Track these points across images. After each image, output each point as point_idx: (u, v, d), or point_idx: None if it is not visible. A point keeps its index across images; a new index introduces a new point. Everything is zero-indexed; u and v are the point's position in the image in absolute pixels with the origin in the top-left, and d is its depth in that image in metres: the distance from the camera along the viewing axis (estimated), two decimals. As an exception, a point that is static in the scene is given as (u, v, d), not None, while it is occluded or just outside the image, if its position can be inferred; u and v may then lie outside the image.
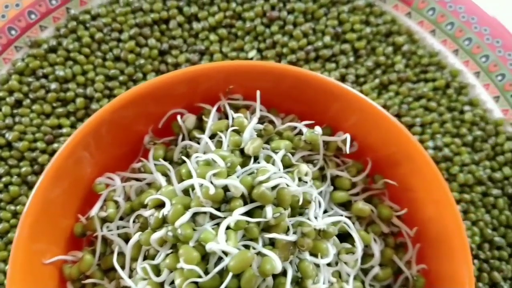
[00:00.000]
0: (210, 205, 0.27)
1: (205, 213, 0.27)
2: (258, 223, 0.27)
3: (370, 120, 0.33)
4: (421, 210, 0.33)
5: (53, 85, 0.41)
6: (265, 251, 0.26)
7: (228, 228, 0.26)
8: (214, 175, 0.27)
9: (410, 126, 0.42)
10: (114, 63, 0.42)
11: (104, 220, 0.31)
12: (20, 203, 0.38)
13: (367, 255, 0.32)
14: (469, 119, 0.43)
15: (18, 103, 0.41)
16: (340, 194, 0.32)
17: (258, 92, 0.31)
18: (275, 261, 0.25)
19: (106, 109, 0.31)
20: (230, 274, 0.25)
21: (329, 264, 0.29)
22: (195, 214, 0.27)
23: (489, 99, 0.44)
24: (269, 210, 0.27)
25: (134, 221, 0.30)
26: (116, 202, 0.31)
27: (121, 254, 0.30)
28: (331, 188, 0.32)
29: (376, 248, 0.31)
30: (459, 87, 0.44)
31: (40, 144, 0.40)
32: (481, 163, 0.42)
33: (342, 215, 0.31)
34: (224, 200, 0.28)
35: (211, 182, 0.27)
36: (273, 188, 0.28)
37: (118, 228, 0.31)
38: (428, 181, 0.32)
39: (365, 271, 0.32)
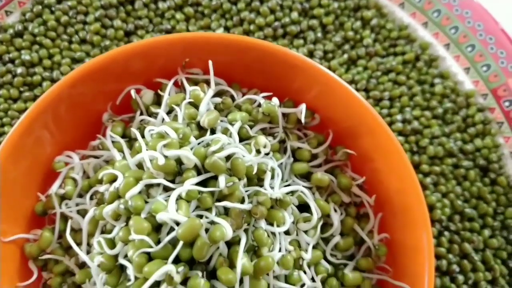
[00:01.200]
0: (162, 177, 0.27)
1: (158, 186, 0.27)
2: (212, 194, 0.27)
3: (332, 93, 0.33)
4: (384, 182, 0.33)
5: (20, 70, 0.41)
6: (216, 219, 0.26)
7: (181, 199, 0.26)
8: (165, 146, 0.27)
9: (378, 100, 0.42)
10: (80, 45, 0.42)
11: (63, 198, 0.31)
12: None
13: (328, 225, 0.32)
14: (439, 91, 0.42)
15: (-15, 89, 0.41)
16: (300, 165, 0.32)
17: (210, 62, 0.31)
18: (226, 228, 0.25)
19: (62, 83, 0.31)
20: (181, 243, 0.25)
21: (287, 233, 0.29)
22: (148, 187, 0.27)
23: (460, 70, 0.43)
24: (221, 180, 0.27)
25: (91, 198, 0.30)
26: (74, 179, 0.31)
27: (80, 231, 0.30)
28: (291, 160, 0.32)
29: (336, 217, 0.31)
30: (429, 59, 0.44)
31: (7, 129, 0.40)
32: (452, 135, 0.42)
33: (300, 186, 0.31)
34: (178, 173, 0.28)
35: (163, 154, 0.27)
36: (228, 159, 0.28)
37: (76, 205, 0.31)
38: (389, 153, 0.31)
39: (327, 241, 0.32)
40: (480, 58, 0.43)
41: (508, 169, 0.41)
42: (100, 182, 0.30)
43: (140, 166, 0.29)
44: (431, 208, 0.39)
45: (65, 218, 0.31)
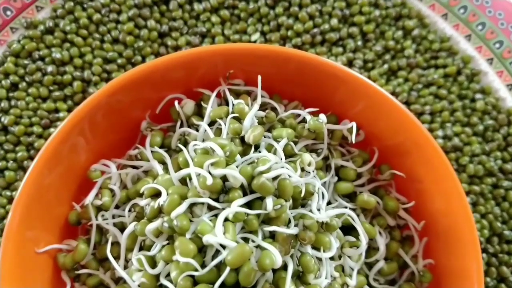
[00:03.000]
0: (207, 196, 0.26)
1: (202, 204, 0.26)
2: (257, 215, 0.26)
3: (378, 107, 0.32)
4: (429, 203, 0.31)
5: (50, 68, 0.40)
6: (265, 244, 0.25)
7: (226, 220, 0.25)
8: (212, 164, 0.26)
9: (419, 114, 0.41)
10: (112, 45, 0.41)
11: (99, 209, 0.30)
12: (16, 189, 0.38)
13: (371, 248, 0.31)
14: (480, 107, 0.41)
15: (14, 86, 0.40)
16: (344, 185, 0.31)
17: (259, 77, 0.30)
18: (275, 255, 0.24)
19: (102, 93, 0.30)
20: (228, 268, 0.24)
21: (332, 258, 0.28)
22: (192, 205, 0.26)
23: (502, 87, 0.42)
24: (269, 202, 0.25)
25: (130, 210, 0.29)
26: (111, 190, 0.30)
27: (116, 244, 0.29)
28: (335, 178, 0.31)
29: (382, 242, 0.30)
30: (471, 74, 0.42)
31: (36, 129, 0.39)
32: (492, 154, 0.40)
33: (346, 207, 0.30)
34: (222, 191, 0.27)
35: (209, 172, 0.26)
36: (274, 178, 0.26)
37: (113, 217, 0.30)
38: (437, 171, 0.30)
39: (369, 265, 0.31)
40: (525, 74, 0.42)
41: (549, 191, 0.40)
42: (139, 194, 0.29)
43: (182, 181, 0.28)
44: (470, 229, 0.38)
45: (100, 229, 0.30)
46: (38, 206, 0.29)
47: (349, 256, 0.29)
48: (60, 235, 0.31)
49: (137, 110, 0.32)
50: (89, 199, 0.30)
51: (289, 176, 0.27)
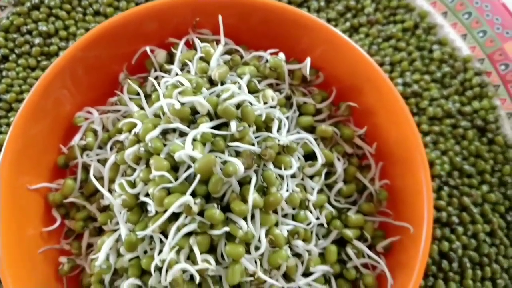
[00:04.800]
0: (178, 122, 0.29)
1: (174, 132, 0.29)
2: (224, 138, 0.29)
3: (337, 50, 0.35)
4: (384, 133, 0.34)
5: (37, 40, 0.43)
6: (229, 158, 0.28)
7: (196, 141, 0.28)
8: (180, 93, 0.29)
9: (380, 65, 0.44)
10: (94, 17, 0.44)
11: (84, 149, 0.33)
12: (10, 151, 0.40)
13: (332, 174, 0.34)
14: (437, 57, 0.44)
15: (5, 59, 0.43)
16: (305, 118, 0.34)
17: (220, 17, 0.33)
18: (238, 164, 0.27)
19: (75, 46, 0.33)
20: (198, 177, 0.27)
21: (294, 178, 0.31)
22: (165, 133, 0.29)
23: (457, 37, 0.45)
24: (233, 124, 0.29)
25: (111, 149, 0.32)
26: (94, 132, 0.33)
27: (101, 179, 0.32)
28: (297, 113, 0.34)
29: (339, 165, 0.33)
30: (428, 27, 0.45)
31: (26, 95, 0.42)
32: (450, 98, 0.43)
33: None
34: (192, 121, 0.30)
35: (178, 101, 0.29)
36: (238, 107, 0.30)
37: (97, 155, 0.33)
38: (390, 104, 0.33)
39: (331, 189, 0.33)
40: (477, 25, 0.45)
41: (505, 129, 0.43)
42: (120, 133, 0.32)
43: (157, 116, 0.31)
44: (431, 164, 0.41)
45: (86, 169, 0.33)
46: (27, 154, 0.32)
47: (310, 179, 0.32)
48: (51, 179, 0.34)
49: (115, 64, 0.36)
50: (75, 140, 0.33)
51: (251, 104, 0.30)
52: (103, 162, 0.33)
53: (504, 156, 0.42)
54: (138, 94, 0.34)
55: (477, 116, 0.43)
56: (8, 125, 0.41)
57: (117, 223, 0.30)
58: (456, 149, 0.42)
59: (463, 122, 0.43)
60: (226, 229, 0.27)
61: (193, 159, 0.27)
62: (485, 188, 0.41)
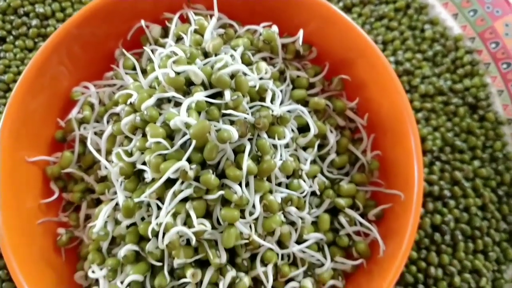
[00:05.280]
0: (173, 91, 0.29)
1: (169, 102, 0.30)
2: (218, 108, 0.30)
3: (330, 25, 0.35)
4: (376, 106, 0.35)
5: (34, 22, 0.44)
6: (224, 126, 0.28)
7: (191, 109, 0.29)
8: (175, 63, 0.29)
9: (372, 44, 0.44)
10: (90, -1, 0.45)
11: (81, 123, 0.34)
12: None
13: (325, 146, 0.34)
14: (429, 36, 0.45)
15: (2, 40, 0.44)
16: (299, 91, 0.34)
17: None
18: (231, 131, 0.28)
19: (71, 22, 0.33)
20: (193, 143, 0.27)
21: (287, 148, 0.32)
22: (160, 103, 0.30)
23: (448, 17, 0.46)
24: (227, 94, 0.29)
25: (108, 122, 0.33)
26: (91, 105, 0.34)
27: (98, 152, 0.33)
28: (291, 87, 0.35)
29: (332, 136, 0.34)
30: (419, 7, 0.46)
31: (24, 76, 0.42)
32: (442, 76, 0.44)
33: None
34: (187, 92, 0.30)
35: (173, 70, 0.29)
36: (232, 78, 0.30)
37: (94, 128, 0.33)
38: (381, 76, 0.34)
39: (324, 161, 0.34)
40: (467, 4, 0.46)
41: (496, 106, 0.44)
42: (116, 106, 0.33)
43: (152, 88, 0.31)
44: (423, 139, 0.41)
45: (83, 142, 0.34)
46: (25, 129, 0.33)
47: (303, 149, 0.33)
48: (48, 153, 0.35)
49: (111, 41, 0.36)
50: (72, 114, 0.34)
51: (245, 74, 0.30)
52: (100, 135, 0.33)
53: (495, 133, 0.43)
54: (133, 68, 0.35)
55: (468, 94, 0.44)
56: (5, 105, 0.42)
57: (115, 193, 0.31)
58: (448, 126, 0.43)
59: (454, 99, 0.43)
60: (221, 192, 0.28)
61: (188, 126, 0.28)
62: (476, 163, 0.42)
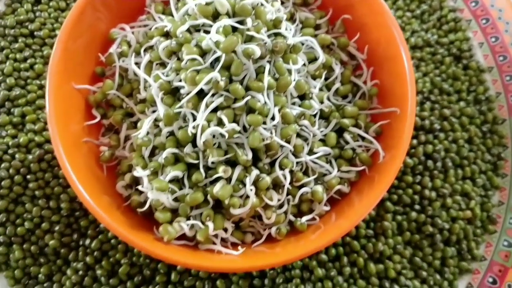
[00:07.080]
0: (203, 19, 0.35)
1: (199, 32, 0.35)
2: (241, 34, 0.35)
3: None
4: (374, 44, 0.40)
5: (66, -15, 0.49)
6: (247, 44, 0.33)
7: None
8: (205, -6, 0.35)
9: (367, 3, 0.50)
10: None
11: (120, 57, 0.39)
12: (44, 78, 0.46)
13: (330, 78, 0.40)
14: (416, -4, 0.51)
15: (37, 2, 0.49)
16: (308, 30, 0.40)
17: None
18: (255, 48, 0.33)
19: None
20: (223, 57, 0.32)
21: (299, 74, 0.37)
22: (191, 33, 0.35)
23: (434, -20, 0.52)
24: (249, 21, 0.34)
25: (144, 54, 0.38)
26: (128, 42, 0.39)
27: (136, 81, 0.37)
28: (300, 26, 0.40)
29: (337, 68, 0.39)
30: (407, -28, 0.52)
31: (58, 32, 0.47)
32: (429, 31, 0.50)
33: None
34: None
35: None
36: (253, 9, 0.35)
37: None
38: (378, 15, 0.39)
39: (329, 90, 0.39)
40: (450, -31, 0.52)
41: (477, 56, 0.50)
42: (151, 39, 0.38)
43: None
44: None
45: (122, 76, 0.39)
46: (70, 64, 0.38)
47: (312, 78, 0.38)
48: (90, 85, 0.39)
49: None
50: (112, 48, 0.39)
51: (263, 5, 0.36)
52: (137, 65, 0.38)
53: (478, 79, 0.49)
54: (163, 13, 0.40)
55: (453, 46, 0.50)
56: (42, 57, 0.47)
57: (153, 111, 0.36)
58: (436, 72, 0.48)
59: (440, 50, 0.49)
60: (248, 98, 0.33)
61: (218, 45, 0.33)
62: (462, 104, 0.47)
